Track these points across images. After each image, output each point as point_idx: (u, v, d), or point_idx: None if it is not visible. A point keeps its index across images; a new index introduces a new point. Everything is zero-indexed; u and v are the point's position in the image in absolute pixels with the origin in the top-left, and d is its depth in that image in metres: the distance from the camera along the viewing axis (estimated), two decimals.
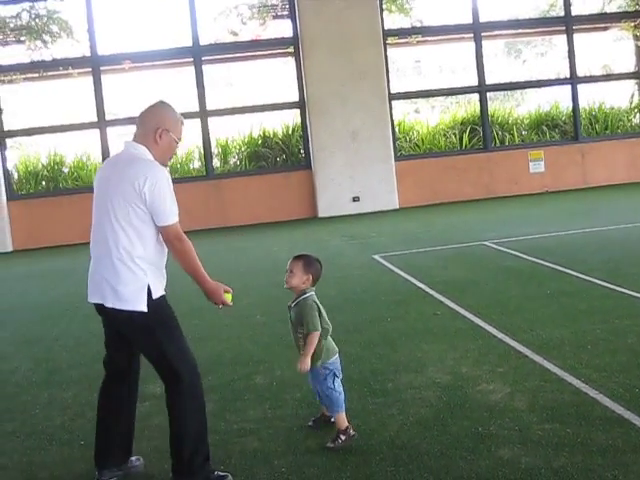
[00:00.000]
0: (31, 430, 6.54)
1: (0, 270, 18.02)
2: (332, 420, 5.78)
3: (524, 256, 12.43)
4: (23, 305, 12.72)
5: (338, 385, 5.68)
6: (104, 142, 22.13)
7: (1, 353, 9.44)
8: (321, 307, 5.64)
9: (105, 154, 22.08)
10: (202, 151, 22.71)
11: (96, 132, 22.22)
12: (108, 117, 22.20)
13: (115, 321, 5.10)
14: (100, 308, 5.09)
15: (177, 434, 5.02)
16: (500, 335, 8.06)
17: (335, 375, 5.68)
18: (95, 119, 22.11)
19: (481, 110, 23.62)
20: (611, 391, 6.17)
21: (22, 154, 24.11)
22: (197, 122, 22.04)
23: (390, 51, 22.96)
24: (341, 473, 5.12)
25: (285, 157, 23.84)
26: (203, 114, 22.04)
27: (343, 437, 5.57)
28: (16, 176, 23.27)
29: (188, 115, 22.25)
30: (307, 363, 5.47)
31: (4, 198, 21.61)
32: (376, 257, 13.79)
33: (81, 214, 21.24)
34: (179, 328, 5.06)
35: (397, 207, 22.08)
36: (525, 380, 6.65)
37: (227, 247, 17.58)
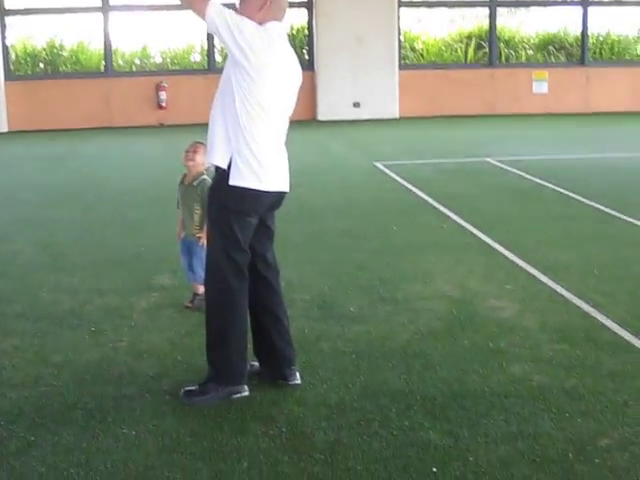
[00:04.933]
0: (40, 313, 6.53)
1: None
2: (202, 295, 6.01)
3: (527, 176, 12.39)
4: (22, 186, 12.59)
5: None
6: (106, 28, 21.75)
7: (4, 233, 9.39)
8: None
9: (107, 40, 21.75)
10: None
11: (99, 16, 21.81)
12: (112, 2, 21.75)
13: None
14: (281, 197, 4.96)
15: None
16: (506, 253, 8.07)
17: None
18: (99, 4, 21.68)
19: (490, 25, 23.30)
20: (619, 317, 6.20)
21: (20, 34, 23.60)
22: None
23: None
24: (355, 377, 5.16)
25: None
26: None
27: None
28: (14, 57, 22.83)
29: None
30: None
31: (2, 78, 21.29)
32: (378, 165, 13.73)
33: (79, 99, 21.20)
34: None
35: (397, 117, 21.90)
36: (534, 300, 6.70)
37: None
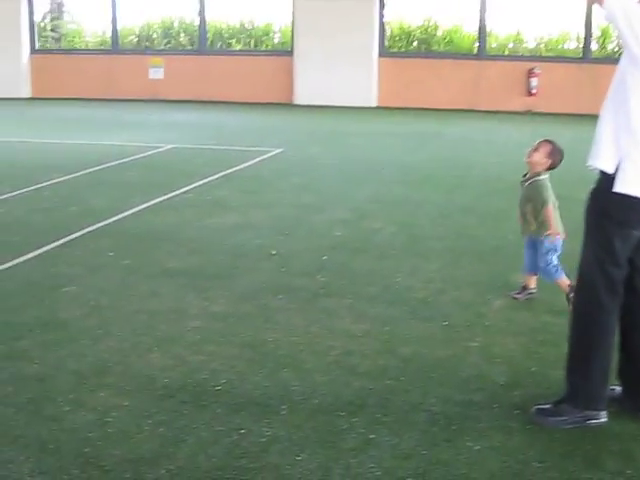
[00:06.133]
0: (393, 298, 6.37)
1: (364, 125, 18.11)
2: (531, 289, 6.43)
3: None
4: (388, 164, 12.64)
5: (555, 260, 6.17)
6: (482, 10, 21.51)
7: (365, 210, 9.39)
8: (551, 190, 6.18)
9: (482, 22, 21.52)
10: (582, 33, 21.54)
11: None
12: None
13: None
14: None
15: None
16: None
17: (555, 250, 6.16)
18: None
19: None
20: None
21: (397, 12, 23.84)
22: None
23: None
24: None
25: None
26: None
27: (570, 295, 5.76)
28: (389, 33, 23.09)
29: None
30: (555, 233, 6.13)
31: (376, 54, 21.67)
32: None
33: (449, 79, 21.15)
34: None
35: None
36: None
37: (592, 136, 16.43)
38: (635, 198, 4.17)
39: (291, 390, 4.73)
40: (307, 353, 5.29)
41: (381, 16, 21.84)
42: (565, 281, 6.14)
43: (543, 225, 6.15)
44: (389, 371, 5.04)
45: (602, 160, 4.26)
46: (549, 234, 6.12)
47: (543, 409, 4.47)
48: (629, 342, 4.51)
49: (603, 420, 4.40)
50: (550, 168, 6.21)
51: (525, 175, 6.31)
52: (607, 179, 4.23)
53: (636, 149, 4.16)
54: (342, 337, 5.56)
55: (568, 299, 5.94)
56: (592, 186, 4.40)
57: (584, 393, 4.40)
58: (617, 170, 4.18)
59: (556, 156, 6.18)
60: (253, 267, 7.17)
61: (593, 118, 15.21)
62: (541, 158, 6.15)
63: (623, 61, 4.23)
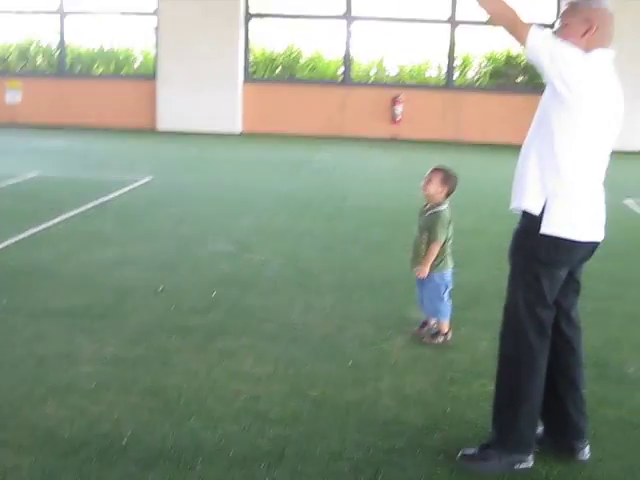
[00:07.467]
0: (293, 337, 6.15)
1: (230, 152, 17.87)
2: (431, 325, 6.26)
3: None
4: (261, 192, 12.45)
5: (447, 296, 6.14)
6: (348, 36, 21.61)
7: (248, 242, 9.15)
8: (451, 221, 6.12)
9: (347, 49, 21.62)
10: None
11: (342, 23, 21.69)
12: (355, 13, 21.56)
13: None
14: (595, 247, 4.32)
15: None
16: None
17: (446, 287, 6.13)
18: (342, 12, 21.54)
19: None
20: None
21: (260, 38, 23.69)
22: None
23: None
24: None
25: (528, 79, 22.56)
26: (453, 23, 21.14)
27: (441, 338, 6.14)
28: (251, 59, 22.92)
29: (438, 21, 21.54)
30: (426, 270, 6.03)
31: (241, 80, 21.48)
32: (628, 203, 12.77)
33: (314, 106, 21.11)
34: None
35: None
36: None
37: (460, 163, 16.53)
38: (562, 239, 4.10)
39: (203, 441, 4.46)
40: (213, 399, 5.02)
41: (246, 42, 21.68)
42: (446, 326, 6.17)
43: (434, 263, 6.07)
44: (302, 417, 4.82)
45: (527, 201, 4.17)
46: (415, 269, 6.11)
47: (469, 455, 4.33)
48: (552, 383, 4.42)
49: (530, 464, 4.31)
50: (448, 194, 6.14)
51: (425, 205, 6.20)
52: (533, 220, 4.14)
53: (562, 189, 4.08)
54: (247, 381, 5.31)
55: (436, 337, 6.14)
56: (515, 227, 4.30)
57: (512, 437, 4.28)
58: (543, 211, 4.10)
59: (451, 181, 6.11)
60: (141, 305, 6.84)
61: (457, 145, 15.59)
62: (436, 188, 6.06)
63: (546, 99, 4.16)
